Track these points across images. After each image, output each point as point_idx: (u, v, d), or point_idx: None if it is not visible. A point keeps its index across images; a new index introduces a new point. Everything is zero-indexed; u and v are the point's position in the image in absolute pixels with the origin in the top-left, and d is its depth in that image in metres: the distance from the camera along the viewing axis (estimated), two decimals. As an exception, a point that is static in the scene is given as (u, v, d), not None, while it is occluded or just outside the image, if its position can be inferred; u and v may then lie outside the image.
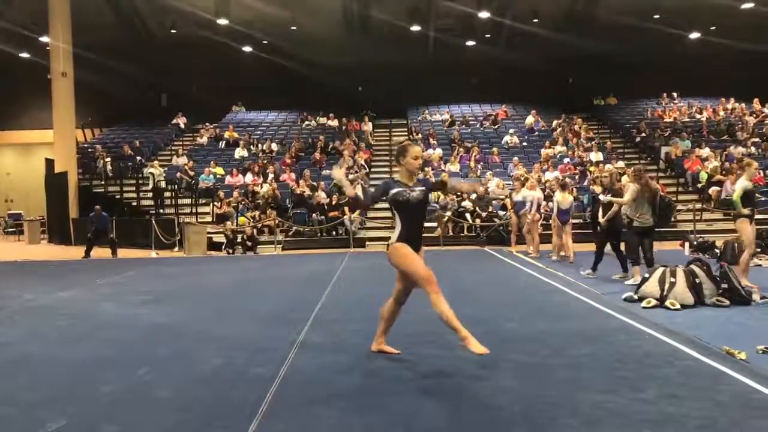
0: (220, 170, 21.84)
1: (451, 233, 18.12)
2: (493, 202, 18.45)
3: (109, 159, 22.98)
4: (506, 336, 6.22)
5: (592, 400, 4.21)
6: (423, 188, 5.30)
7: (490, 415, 4.01)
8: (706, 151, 21.57)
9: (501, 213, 18.04)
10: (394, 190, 5.23)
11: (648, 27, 25.22)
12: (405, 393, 4.50)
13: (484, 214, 18.07)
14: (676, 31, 25.99)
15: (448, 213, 18.12)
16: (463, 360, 5.28)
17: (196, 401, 4.40)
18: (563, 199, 13.01)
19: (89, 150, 24.35)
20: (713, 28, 26.38)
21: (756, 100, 26.09)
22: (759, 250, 12.00)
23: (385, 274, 11.81)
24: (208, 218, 19.34)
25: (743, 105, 26.17)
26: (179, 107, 27.96)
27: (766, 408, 3.99)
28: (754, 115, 25.32)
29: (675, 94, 27.59)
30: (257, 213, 18.80)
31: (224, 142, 24.90)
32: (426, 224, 19.43)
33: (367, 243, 18.27)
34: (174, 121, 27.65)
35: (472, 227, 18.14)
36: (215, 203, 19.34)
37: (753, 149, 22.27)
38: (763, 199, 17.79)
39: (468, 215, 18.20)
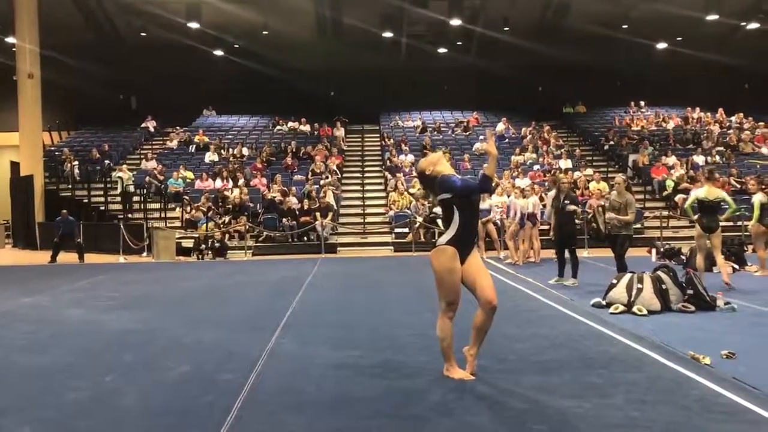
0: (189, 174, 21.63)
1: (423, 239, 18.17)
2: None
3: (76, 162, 22.61)
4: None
5: (561, 405, 4.25)
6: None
7: (458, 420, 4.02)
8: (672, 160, 21.94)
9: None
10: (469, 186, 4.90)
11: (617, 37, 25.64)
12: (374, 399, 4.50)
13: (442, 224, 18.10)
14: (643, 41, 26.46)
15: (420, 219, 18.17)
16: (429, 364, 5.31)
17: (164, 408, 4.35)
18: (525, 204, 13.36)
19: (56, 153, 23.94)
20: (680, 39, 26.90)
21: (720, 110, 26.66)
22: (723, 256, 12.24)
23: (357, 280, 11.84)
24: (178, 223, 19.14)
25: (708, 114, 26.71)
26: (149, 110, 27.65)
27: (729, 412, 4.06)
28: (719, 125, 25.85)
29: (642, 103, 28.05)
30: (227, 218, 18.65)
31: (194, 146, 24.67)
32: (398, 230, 19.41)
33: (338, 249, 18.23)
34: (143, 125, 27.33)
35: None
36: (184, 208, 19.14)
37: (717, 158, 22.73)
38: (743, 207, 18.12)
39: (439, 221, 18.25)
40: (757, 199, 11.22)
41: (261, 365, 5.43)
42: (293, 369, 5.32)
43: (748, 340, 6.12)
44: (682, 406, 4.21)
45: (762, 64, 25.03)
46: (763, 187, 15.34)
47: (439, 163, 5.00)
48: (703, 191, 9.61)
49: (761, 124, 25.78)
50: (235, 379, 5.00)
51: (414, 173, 21.46)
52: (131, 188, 20.79)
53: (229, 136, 26.15)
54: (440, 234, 5.03)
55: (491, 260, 14.33)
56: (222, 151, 23.86)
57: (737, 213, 12.68)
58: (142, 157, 23.95)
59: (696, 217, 9.60)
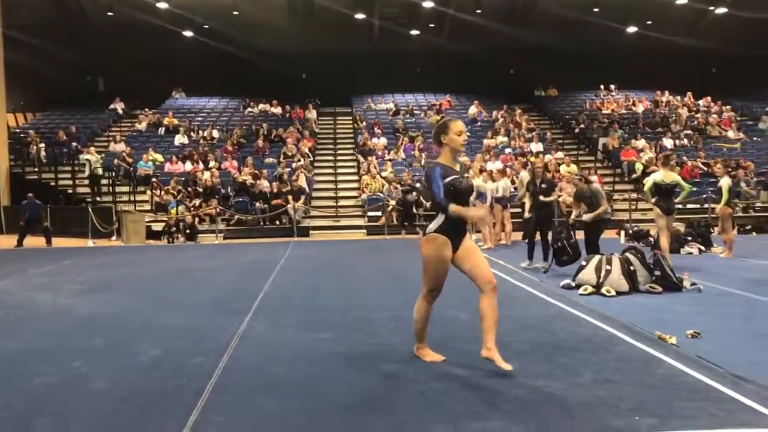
0: (159, 157, 21.36)
1: (395, 222, 18.20)
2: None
3: (42, 145, 22.16)
4: (448, 323, 6.29)
5: (530, 385, 4.30)
6: (468, 176, 4.79)
7: (429, 400, 4.06)
8: (641, 143, 22.22)
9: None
10: (450, 178, 4.60)
11: (587, 20, 25.77)
12: (347, 380, 4.51)
13: (427, 204, 18.17)
14: (614, 25, 26.63)
15: (393, 202, 18.18)
16: (401, 346, 5.34)
17: (134, 392, 4.31)
18: (494, 187, 13.61)
19: (22, 135, 23.42)
20: (649, 22, 27.14)
21: (689, 94, 27.01)
22: (690, 238, 12.49)
23: (329, 263, 11.83)
24: (147, 206, 18.91)
25: (677, 98, 27.05)
26: (117, 92, 27.15)
27: (693, 390, 4.15)
28: (687, 108, 26.21)
29: (612, 87, 28.30)
30: (198, 201, 18.47)
31: (164, 128, 24.35)
32: (371, 213, 19.38)
33: (311, 232, 18.18)
34: (111, 107, 26.84)
35: (416, 216, 18.26)
36: (154, 191, 18.92)
37: (685, 141, 23.07)
38: (694, 189, 18.43)
39: (412, 205, 18.28)
40: (725, 182, 11.46)
41: (232, 348, 5.41)
42: (265, 352, 5.31)
43: (713, 320, 6.25)
44: (648, 384, 4.29)
45: (729, 49, 25.38)
46: (729, 170, 15.68)
47: (452, 142, 4.67)
48: (660, 175, 9.92)
49: (728, 107, 26.22)
50: (207, 362, 4.98)
51: (386, 156, 21.50)
52: (99, 171, 20.48)
53: (199, 118, 25.85)
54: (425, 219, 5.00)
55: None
56: (192, 133, 23.58)
57: (689, 196, 13.02)
58: (110, 139, 23.57)
59: (654, 200, 9.92)
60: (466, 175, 4.78)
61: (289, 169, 20.08)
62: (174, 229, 17.00)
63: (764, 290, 7.66)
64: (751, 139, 23.74)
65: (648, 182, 10.24)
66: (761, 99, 27.09)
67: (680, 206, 16.05)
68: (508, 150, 21.88)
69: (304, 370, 4.77)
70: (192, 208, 18.02)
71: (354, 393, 4.24)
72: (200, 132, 23.72)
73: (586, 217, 9.58)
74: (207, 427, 3.69)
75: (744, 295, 7.52)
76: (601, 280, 7.76)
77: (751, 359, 4.82)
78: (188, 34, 27.11)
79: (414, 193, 18.24)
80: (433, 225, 4.67)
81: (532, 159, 19.99)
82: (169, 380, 4.55)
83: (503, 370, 4.49)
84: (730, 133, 23.97)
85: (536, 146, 22.25)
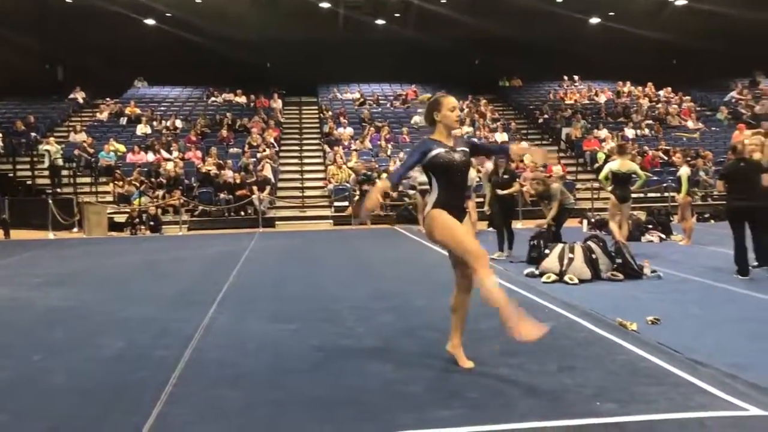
0: (121, 147, 20.97)
1: (361, 212, 18.19)
2: (404, 181, 18.56)
3: (0, 135, 21.63)
4: (414, 312, 6.33)
5: (494, 372, 4.36)
6: (465, 149, 4.54)
7: (394, 390, 4.08)
8: (603, 133, 22.52)
9: (411, 192, 18.21)
10: (434, 152, 4.37)
11: (551, 11, 25.93)
12: (312, 371, 4.51)
13: (394, 194, 18.21)
14: (578, 16, 26.87)
15: (359, 192, 18.15)
16: (366, 336, 5.36)
17: (95, 386, 4.26)
18: None
19: (-23, 125, 22.83)
20: (612, 14, 27.44)
21: (650, 84, 27.44)
22: (650, 226, 12.72)
23: (295, 254, 11.78)
24: (109, 198, 18.59)
25: (639, 88, 27.46)
26: (77, 81, 26.55)
27: (653, 375, 4.24)
28: (648, 99, 26.64)
29: (576, 77, 28.60)
30: (161, 192, 18.21)
31: (126, 118, 23.90)
32: (337, 204, 19.31)
33: (276, 223, 18.07)
34: (72, 96, 26.25)
35: (383, 206, 18.27)
36: (116, 182, 18.59)
37: (646, 131, 23.45)
38: (655, 178, 18.80)
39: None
40: (684, 172, 11.71)
41: (197, 340, 5.36)
42: (230, 343, 5.28)
43: (672, 306, 6.39)
44: (610, 370, 4.37)
45: (689, 41, 25.80)
46: (689, 160, 16.00)
47: (445, 119, 4.49)
48: (616, 164, 10.09)
49: (688, 98, 26.72)
50: (170, 354, 4.93)
51: (353, 146, 21.44)
52: (60, 162, 20.04)
53: (162, 108, 25.43)
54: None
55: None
56: (155, 123, 23.21)
57: (645, 185, 13.30)
58: (70, 129, 23.06)
59: (611, 188, 10.10)
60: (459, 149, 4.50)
61: (254, 159, 19.90)
62: (137, 220, 16.75)
63: (722, 277, 7.85)
64: (710, 129, 24.22)
65: (604, 171, 10.43)
66: (720, 90, 27.67)
67: (641, 195, 16.40)
68: (473, 140, 21.98)
69: (270, 362, 4.76)
70: (155, 199, 17.77)
71: (320, 384, 4.24)
72: (163, 122, 23.35)
73: (543, 222, 9.95)
74: (170, 420, 3.66)
75: (702, 281, 7.70)
76: (564, 269, 7.88)
77: (708, 344, 4.94)
78: (150, 22, 26.60)
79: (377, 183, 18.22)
80: (429, 204, 4.43)
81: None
82: (132, 373, 4.50)
83: (464, 368, 4.44)
84: (690, 124, 24.44)
85: (501, 136, 22.40)
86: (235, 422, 3.63)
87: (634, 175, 10.24)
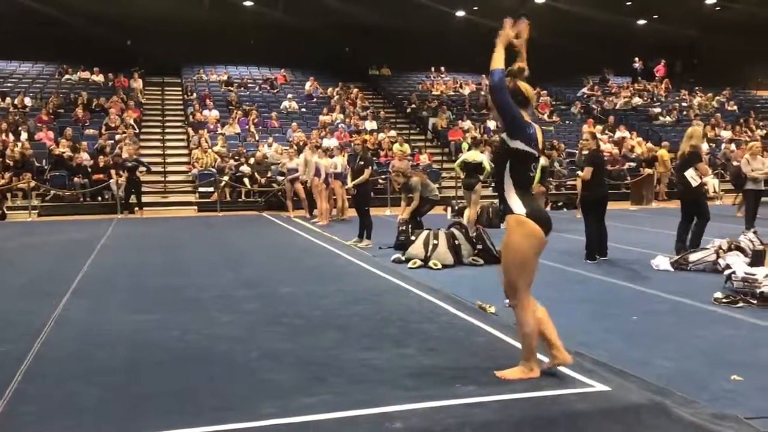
0: (-39, 126, 19.21)
1: (228, 198, 17.77)
2: (272, 167, 18.32)
3: None
4: (280, 299, 6.28)
5: (359, 357, 4.40)
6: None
7: (259, 378, 4.02)
8: (467, 124, 23.32)
9: (279, 178, 18.00)
10: (531, 130, 3.67)
11: (420, 3, 26.42)
12: (173, 364, 4.36)
13: (262, 180, 17.92)
14: (444, 9, 27.54)
15: (226, 178, 17.71)
16: (230, 325, 5.26)
17: (-73, 387, 3.88)
18: (329, 163, 13.83)
19: None
20: (476, 8, 28.35)
21: (510, 77, 28.67)
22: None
23: (157, 241, 11.31)
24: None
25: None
26: None
27: (509, 356, 4.43)
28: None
29: (442, 69, 29.38)
30: (8, 175, 16.85)
31: (-34, 94, 21.91)
32: (202, 189, 18.79)
33: (136, 209, 17.24)
34: None
35: (250, 192, 17.95)
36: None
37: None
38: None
39: (246, 180, 17.93)
40: (540, 162, 12.39)
41: (46, 334, 5.04)
42: (84, 336, 5.00)
43: (528, 289, 6.72)
44: (470, 352, 4.55)
45: (546, 37, 27.10)
46: (544, 151, 16.87)
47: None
48: (470, 154, 11.14)
49: (544, 93, 28.20)
50: (15, 349, 4.61)
51: (219, 130, 20.85)
52: None
53: (8, 85, 23.52)
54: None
55: (299, 219, 14.40)
56: (0, 101, 21.42)
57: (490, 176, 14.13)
58: None
59: (464, 176, 11.13)
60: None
61: (112, 141, 18.88)
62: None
63: (571, 261, 8.39)
64: (564, 123, 25.72)
65: (459, 160, 11.46)
66: (573, 85, 29.46)
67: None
68: (342, 126, 22.05)
69: (127, 355, 4.55)
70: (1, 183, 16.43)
71: (181, 376, 4.11)
72: (9, 99, 21.59)
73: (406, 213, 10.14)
74: (15, 420, 3.42)
75: (555, 266, 8.17)
76: (428, 254, 8.12)
77: (560, 324, 5.23)
78: (-6, -11, 24.45)
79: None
80: (518, 206, 3.88)
81: (354, 136, 20.37)
82: (-29, 371, 4.15)
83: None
84: (546, 117, 25.82)
85: (370, 124, 22.63)
86: (88, 419, 3.43)
87: (481, 166, 11.11)
